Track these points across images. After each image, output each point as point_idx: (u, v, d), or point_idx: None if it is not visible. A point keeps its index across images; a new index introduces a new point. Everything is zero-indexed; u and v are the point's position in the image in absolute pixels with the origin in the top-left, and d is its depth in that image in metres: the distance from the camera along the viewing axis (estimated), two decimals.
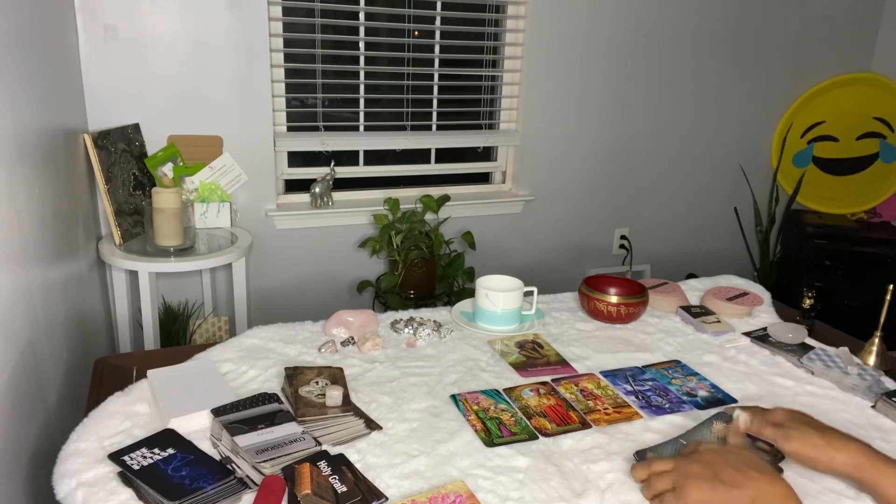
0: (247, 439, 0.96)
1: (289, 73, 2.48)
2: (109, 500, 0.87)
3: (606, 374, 1.26)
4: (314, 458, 0.95)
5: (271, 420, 1.02)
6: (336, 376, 1.16)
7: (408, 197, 2.72)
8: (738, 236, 3.38)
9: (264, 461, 0.92)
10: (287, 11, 2.41)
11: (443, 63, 2.69)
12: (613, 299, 1.44)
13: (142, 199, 2.17)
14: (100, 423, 1.03)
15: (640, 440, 1.05)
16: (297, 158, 2.59)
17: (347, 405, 1.09)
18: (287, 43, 2.45)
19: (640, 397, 1.18)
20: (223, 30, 2.26)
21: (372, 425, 1.05)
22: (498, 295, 1.40)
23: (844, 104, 3.24)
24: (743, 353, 1.35)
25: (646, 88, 2.95)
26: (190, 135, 2.31)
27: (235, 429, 0.98)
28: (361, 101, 2.63)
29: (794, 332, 1.39)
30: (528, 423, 1.09)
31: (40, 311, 1.38)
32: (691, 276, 3.08)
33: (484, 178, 2.95)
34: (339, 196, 2.65)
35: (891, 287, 1.29)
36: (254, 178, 2.43)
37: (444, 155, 2.81)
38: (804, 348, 1.36)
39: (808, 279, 3.08)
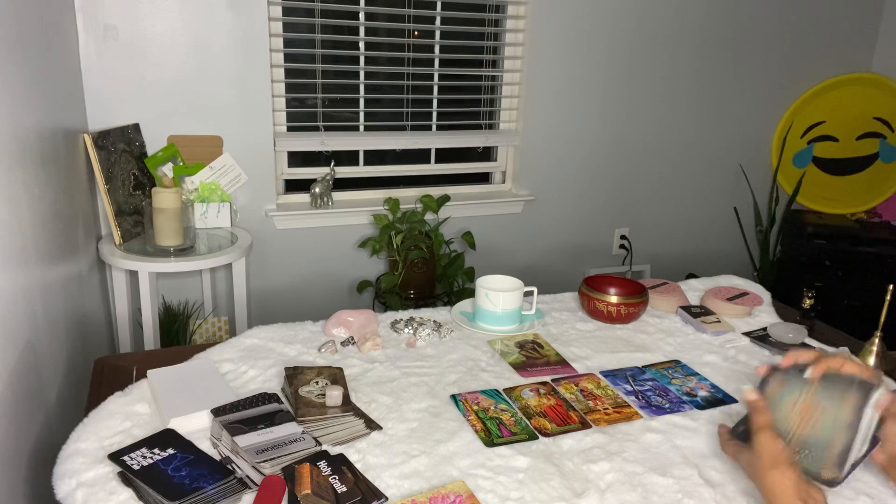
0: (247, 439, 0.96)
1: (289, 73, 2.48)
2: (109, 500, 0.87)
3: (606, 374, 1.26)
4: (314, 458, 0.95)
5: (271, 420, 1.02)
6: (336, 376, 1.16)
7: (408, 197, 2.72)
8: (738, 236, 3.38)
9: (264, 461, 0.92)
10: (287, 11, 2.41)
11: (443, 63, 2.69)
12: (613, 299, 1.44)
13: (142, 199, 2.17)
14: (100, 423, 1.03)
15: (641, 440, 1.05)
16: (296, 158, 2.59)
17: (347, 405, 1.09)
18: (287, 43, 2.45)
19: (640, 397, 1.18)
20: (223, 30, 2.26)
21: (372, 425, 1.05)
22: (498, 295, 1.40)
23: (844, 104, 3.24)
24: (743, 353, 1.35)
25: (646, 88, 2.95)
26: (190, 135, 2.31)
27: (235, 429, 0.98)
28: (361, 101, 2.63)
29: (794, 333, 1.39)
30: (528, 423, 1.08)
31: (40, 311, 1.38)
32: (691, 276, 3.09)
33: (484, 178, 2.95)
34: (339, 196, 2.65)
35: (891, 287, 1.29)
36: (254, 178, 2.43)
37: (444, 155, 2.81)
38: (804, 348, 1.36)
39: (808, 279, 3.08)
